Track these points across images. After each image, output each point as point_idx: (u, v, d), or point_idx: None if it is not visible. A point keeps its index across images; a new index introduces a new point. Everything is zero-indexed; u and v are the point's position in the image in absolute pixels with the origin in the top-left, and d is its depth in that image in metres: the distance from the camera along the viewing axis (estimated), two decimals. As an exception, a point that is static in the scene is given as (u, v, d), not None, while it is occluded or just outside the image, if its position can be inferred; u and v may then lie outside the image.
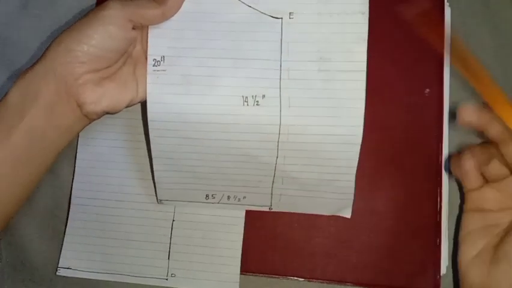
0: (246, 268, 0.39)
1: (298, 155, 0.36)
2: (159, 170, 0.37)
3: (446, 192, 0.39)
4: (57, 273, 0.40)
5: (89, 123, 0.36)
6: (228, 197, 0.38)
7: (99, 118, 0.36)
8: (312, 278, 0.39)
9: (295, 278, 0.39)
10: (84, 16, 0.33)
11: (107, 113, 0.35)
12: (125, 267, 0.40)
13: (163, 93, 0.34)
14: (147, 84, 0.35)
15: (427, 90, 0.40)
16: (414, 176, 0.39)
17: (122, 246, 0.40)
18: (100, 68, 0.33)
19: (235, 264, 0.39)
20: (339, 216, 0.39)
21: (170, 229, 0.40)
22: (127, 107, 0.36)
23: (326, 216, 0.39)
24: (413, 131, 0.40)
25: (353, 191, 0.37)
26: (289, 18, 0.34)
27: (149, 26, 0.35)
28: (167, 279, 0.39)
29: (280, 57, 0.34)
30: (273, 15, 0.34)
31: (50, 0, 0.44)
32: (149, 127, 0.35)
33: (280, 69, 0.34)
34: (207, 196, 0.38)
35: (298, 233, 0.39)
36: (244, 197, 0.38)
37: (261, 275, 0.39)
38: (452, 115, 0.40)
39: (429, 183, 0.39)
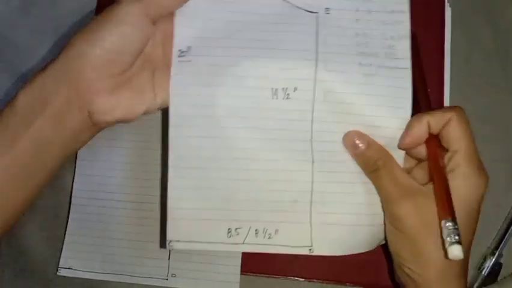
0: (246, 268, 0.39)
1: (337, 159, 0.32)
2: (176, 188, 0.32)
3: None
4: (57, 273, 0.40)
5: (99, 131, 0.34)
6: (256, 232, 0.32)
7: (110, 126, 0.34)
8: (313, 278, 0.39)
9: (296, 278, 0.39)
10: (98, 15, 0.31)
11: (120, 122, 0.33)
12: (126, 267, 0.40)
13: (188, 84, 0.32)
14: (171, 76, 0.32)
15: (427, 90, 0.40)
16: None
17: (123, 246, 0.40)
18: (114, 73, 0.31)
19: (236, 264, 0.39)
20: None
21: (171, 229, 0.40)
22: (144, 114, 0.33)
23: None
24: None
25: None
26: (325, 13, 0.32)
27: (176, 16, 0.32)
28: (167, 279, 0.39)
29: (316, 48, 0.32)
30: (309, 10, 0.32)
31: (50, 1, 0.44)
32: (170, 124, 0.32)
33: (317, 61, 0.31)
34: (229, 231, 0.32)
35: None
36: (277, 231, 0.32)
37: (261, 275, 0.39)
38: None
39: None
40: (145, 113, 0.33)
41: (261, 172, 0.32)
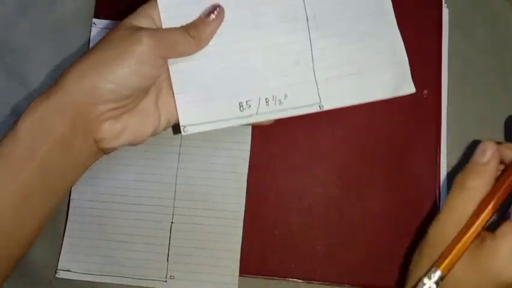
0: (245, 270, 0.39)
1: (333, 14, 0.33)
2: (178, 72, 0.33)
3: (444, 193, 0.39)
4: (56, 276, 0.40)
5: (105, 154, 0.34)
6: (267, 100, 0.33)
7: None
8: (311, 280, 0.39)
9: (294, 279, 0.39)
10: (111, 44, 0.31)
11: (128, 146, 0.33)
12: (125, 269, 0.40)
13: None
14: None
15: (425, 91, 0.40)
16: (413, 177, 0.39)
17: (122, 248, 0.40)
18: (124, 104, 0.31)
19: (234, 266, 0.39)
20: (338, 216, 0.39)
21: (169, 231, 0.40)
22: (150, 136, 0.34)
23: (325, 216, 0.39)
24: (411, 132, 0.40)
25: (406, 59, 0.34)
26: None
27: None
28: (166, 281, 0.39)
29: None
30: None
31: (49, 3, 0.44)
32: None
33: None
34: (240, 105, 0.33)
35: (297, 235, 0.39)
36: (286, 95, 0.33)
37: (260, 277, 0.39)
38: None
39: (428, 185, 0.39)
40: (152, 135, 0.34)
41: (259, 41, 0.33)
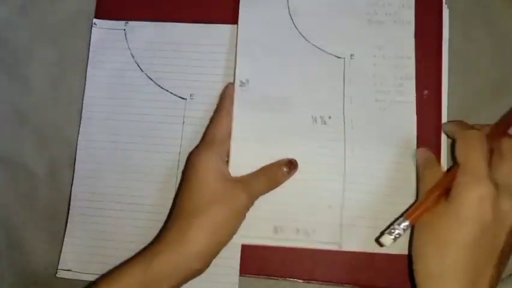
0: (245, 269, 0.39)
1: (364, 173, 0.39)
2: None
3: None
4: (57, 275, 0.40)
5: None
6: (297, 230, 0.39)
7: None
8: (311, 280, 0.39)
9: (295, 279, 0.39)
10: (217, 205, 0.35)
11: None
12: (125, 269, 0.40)
13: (247, 109, 0.40)
14: (234, 100, 0.40)
15: (425, 91, 0.40)
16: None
17: (122, 248, 0.40)
18: None
19: (235, 265, 0.39)
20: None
21: (170, 231, 0.40)
22: None
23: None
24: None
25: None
26: (351, 58, 0.41)
27: (238, 54, 0.41)
28: (166, 281, 0.39)
29: (344, 87, 0.40)
30: (337, 55, 0.41)
31: (50, 3, 0.45)
32: (232, 140, 0.39)
33: (344, 97, 0.40)
34: (275, 228, 0.39)
35: (298, 235, 0.40)
36: (314, 230, 0.39)
37: (260, 276, 0.39)
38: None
39: (428, 185, 0.39)
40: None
41: (303, 181, 0.39)
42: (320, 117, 0.40)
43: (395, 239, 0.33)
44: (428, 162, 0.37)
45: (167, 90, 0.42)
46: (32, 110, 0.43)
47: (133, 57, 0.42)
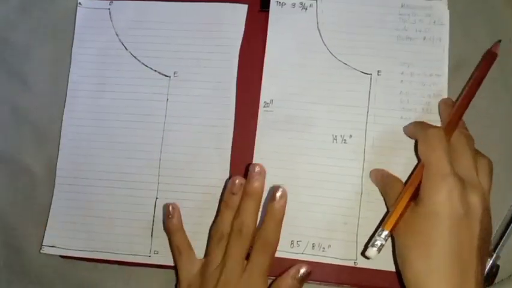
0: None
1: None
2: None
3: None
4: (41, 251, 0.40)
5: None
6: (313, 245, 0.39)
7: None
8: (311, 279, 0.38)
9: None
10: None
11: None
12: (109, 245, 0.40)
13: (270, 129, 0.40)
14: (258, 121, 0.40)
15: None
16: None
17: (106, 224, 0.40)
18: None
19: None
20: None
21: (154, 207, 0.40)
22: None
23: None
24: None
25: None
26: (378, 75, 0.40)
27: (264, 75, 0.41)
28: (150, 256, 0.39)
29: (368, 104, 0.40)
30: (364, 72, 0.40)
31: (49, 2, 0.45)
32: (254, 159, 0.40)
33: (367, 115, 0.40)
34: (292, 243, 0.39)
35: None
36: (329, 246, 0.39)
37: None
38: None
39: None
40: None
41: (321, 198, 0.39)
42: (341, 135, 0.40)
43: (379, 250, 0.34)
44: (385, 179, 0.38)
45: (151, 68, 0.42)
46: (31, 109, 0.43)
47: (117, 36, 0.43)
